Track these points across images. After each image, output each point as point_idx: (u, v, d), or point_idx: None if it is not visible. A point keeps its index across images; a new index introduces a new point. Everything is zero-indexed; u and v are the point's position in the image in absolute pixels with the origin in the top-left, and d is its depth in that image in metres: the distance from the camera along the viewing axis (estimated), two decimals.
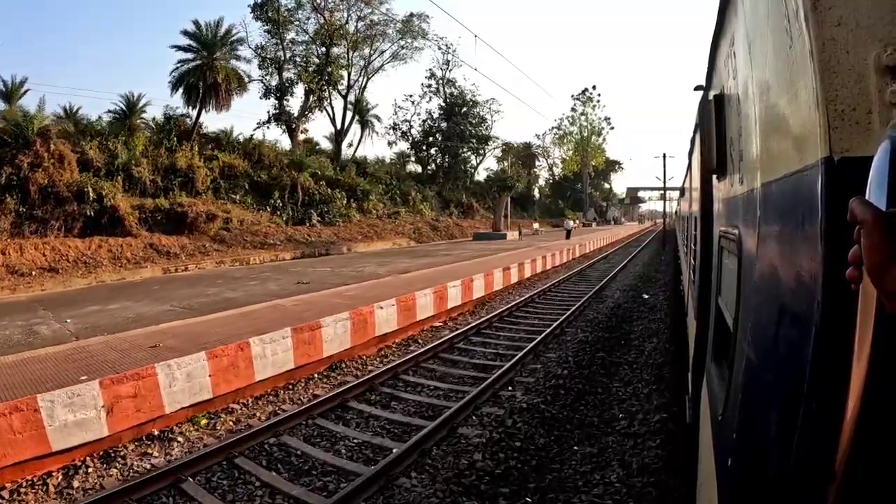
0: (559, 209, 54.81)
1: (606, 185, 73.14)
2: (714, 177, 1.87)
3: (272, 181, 22.80)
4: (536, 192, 60.79)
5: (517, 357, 5.76)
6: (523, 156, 54.66)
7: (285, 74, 27.85)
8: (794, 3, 0.62)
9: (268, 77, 27.68)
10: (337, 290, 8.28)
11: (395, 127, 38.15)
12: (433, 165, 38.86)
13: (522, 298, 9.71)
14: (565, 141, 56.18)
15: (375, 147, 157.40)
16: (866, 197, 0.41)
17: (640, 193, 76.94)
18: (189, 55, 21.74)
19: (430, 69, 41.98)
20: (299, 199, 23.09)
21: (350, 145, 33.08)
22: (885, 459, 0.45)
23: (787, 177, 0.72)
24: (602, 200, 70.46)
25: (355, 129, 33.90)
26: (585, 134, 54.76)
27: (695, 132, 3.51)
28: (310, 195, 23.75)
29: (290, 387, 5.08)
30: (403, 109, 39.54)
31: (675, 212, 20.57)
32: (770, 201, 0.84)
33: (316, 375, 5.42)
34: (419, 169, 38.69)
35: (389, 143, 40.74)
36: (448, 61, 38.04)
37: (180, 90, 21.67)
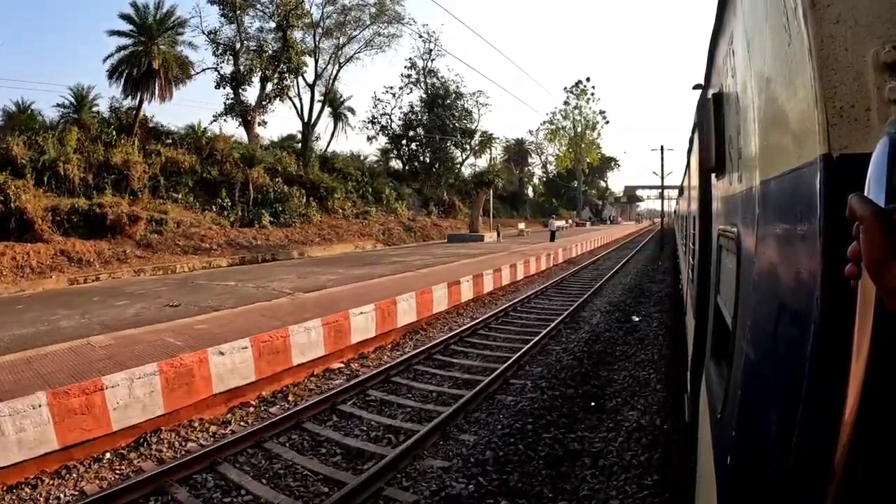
0: (553, 208, 55.80)
1: (602, 183, 75.08)
2: (713, 175, 2.01)
3: (223, 178, 22.38)
4: (530, 191, 62.19)
5: (387, 460, 3.78)
6: (515, 152, 56.30)
7: (244, 62, 27.38)
8: (792, 1, 0.68)
9: (223, 65, 27.34)
10: (193, 319, 6.66)
11: (373, 121, 38.33)
12: (416, 162, 39.08)
13: (468, 325, 8.30)
14: (558, 136, 56.91)
15: (354, 142, 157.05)
16: (865, 193, 0.45)
17: (639, 192, 78.67)
18: (128, 41, 21.23)
19: (409, 58, 42.00)
20: (250, 198, 22.73)
21: (317, 138, 32.94)
22: (884, 457, 0.49)
23: (786, 174, 0.78)
24: (598, 199, 71.87)
25: (328, 122, 33.68)
26: (579, 129, 55.62)
27: (693, 131, 3.75)
28: (263, 193, 23.40)
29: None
30: (383, 102, 39.45)
31: (674, 211, 21.72)
32: (769, 199, 0.91)
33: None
34: (401, 165, 38.98)
35: (369, 139, 39.54)
36: (430, 50, 38.70)
37: (121, 81, 21.17)
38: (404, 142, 38.84)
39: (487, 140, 42.40)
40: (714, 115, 1.67)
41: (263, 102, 28.42)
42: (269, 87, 28.13)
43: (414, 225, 30.73)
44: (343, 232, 25.14)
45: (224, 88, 27.27)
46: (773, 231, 0.87)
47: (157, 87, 21.35)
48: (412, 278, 10.54)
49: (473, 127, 40.90)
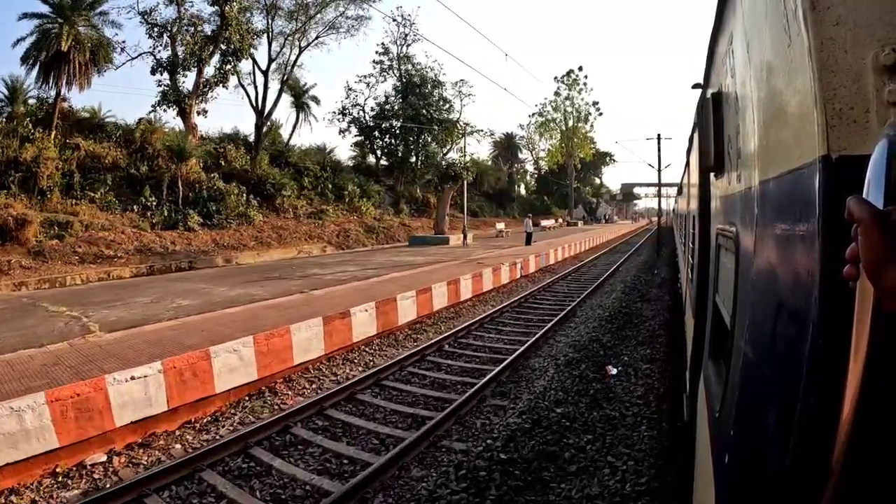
0: (545, 206, 57.36)
1: (597, 180, 77.64)
2: (712, 175, 2.18)
3: (152, 174, 21.72)
4: (523, 189, 63.83)
5: None
6: (504, 147, 58.03)
7: (182, 44, 26.53)
8: (792, 3, 0.75)
9: (160, 49, 26.73)
10: None
11: (343, 111, 38.20)
12: (390, 156, 38.94)
13: (300, 404, 5.75)
14: (548, 129, 58.35)
15: (330, 137, 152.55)
16: (864, 195, 0.50)
17: (637, 190, 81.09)
18: (41, 22, 20.63)
19: (382, 43, 41.86)
20: (179, 196, 22.05)
21: (269, 130, 31.67)
22: (882, 457, 0.54)
23: (785, 175, 0.86)
24: (592, 196, 74.35)
25: (289, 113, 33.69)
26: (571, 122, 57.18)
27: (693, 130, 4.04)
28: (195, 191, 22.78)
29: None
30: (356, 92, 39.56)
31: (673, 210, 22.74)
32: (767, 199, 1.01)
33: None
34: (378, 160, 38.93)
35: (341, 132, 38.97)
36: (405, 35, 39.30)
37: (36, 68, 20.61)
38: (377, 133, 38.85)
39: (453, 127, 41.12)
40: (713, 115, 1.82)
41: (203, 89, 27.66)
42: (209, 71, 27.57)
43: (378, 225, 30.65)
44: (289, 234, 24.65)
45: (161, 74, 26.64)
46: (772, 231, 0.96)
47: (71, 73, 20.70)
48: (273, 312, 8.07)
49: (456, 118, 41.12)
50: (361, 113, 38.87)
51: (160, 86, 26.59)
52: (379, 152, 39.76)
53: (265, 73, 28.93)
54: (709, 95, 1.99)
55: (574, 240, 27.07)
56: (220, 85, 28.02)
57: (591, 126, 58.37)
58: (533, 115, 58.42)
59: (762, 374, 0.97)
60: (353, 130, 38.99)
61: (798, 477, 0.69)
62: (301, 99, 35.43)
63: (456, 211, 35.11)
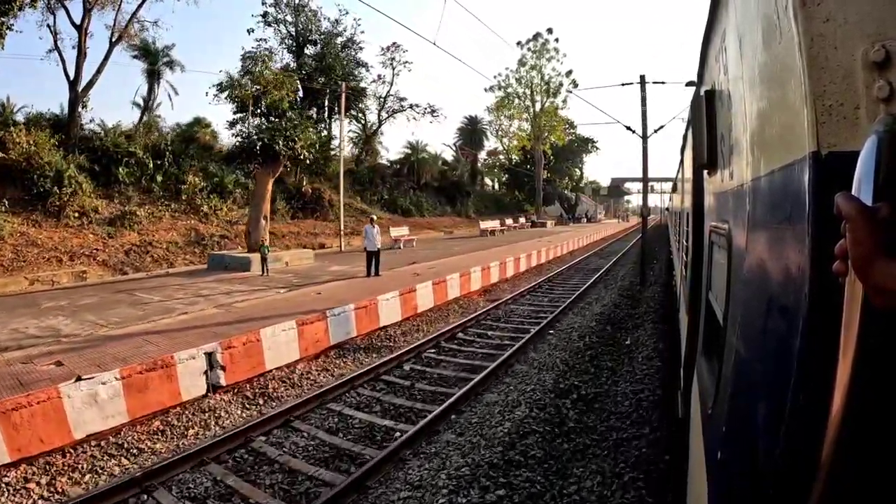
0: (515, 202, 49.84)
1: (577, 171, 65.55)
2: (705, 172, 2.18)
3: None
4: (496, 183, 54.53)
5: None
6: (469, 132, 49.49)
7: None
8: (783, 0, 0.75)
9: None
10: None
11: (221, 86, 26.94)
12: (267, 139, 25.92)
13: None
14: (510, 106, 45.51)
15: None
16: (853, 191, 0.50)
17: (628, 185, 70.66)
18: None
19: None
20: None
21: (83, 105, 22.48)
22: (871, 451, 0.55)
23: (776, 171, 0.86)
24: (571, 191, 62.93)
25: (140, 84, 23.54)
26: (540, 98, 44.86)
27: (687, 128, 4.06)
28: None
29: None
30: (254, 60, 28.96)
31: (667, 208, 21.90)
32: (759, 196, 1.01)
33: None
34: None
35: (232, 125, 27.33)
36: None
37: None
38: (258, 111, 27.27)
39: (361, 98, 32.61)
40: (706, 112, 1.83)
41: None
42: None
43: (211, 234, 20.78)
44: (42, 251, 15.87)
45: None
46: (764, 227, 0.97)
47: None
48: None
49: (384, 92, 33.86)
50: (238, 83, 27.17)
51: None
52: (254, 132, 25.67)
53: (79, 28, 21.80)
54: (702, 93, 2.00)
55: (512, 253, 18.71)
56: None
57: (565, 102, 44.92)
58: (491, 87, 44.58)
59: (753, 370, 0.97)
60: (231, 107, 27.85)
61: (789, 471, 0.69)
62: (156, 65, 27.64)
63: (378, 209, 28.99)
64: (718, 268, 1.68)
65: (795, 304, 0.70)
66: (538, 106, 44.96)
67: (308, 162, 19.80)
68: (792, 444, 0.69)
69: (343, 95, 24.69)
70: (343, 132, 28.15)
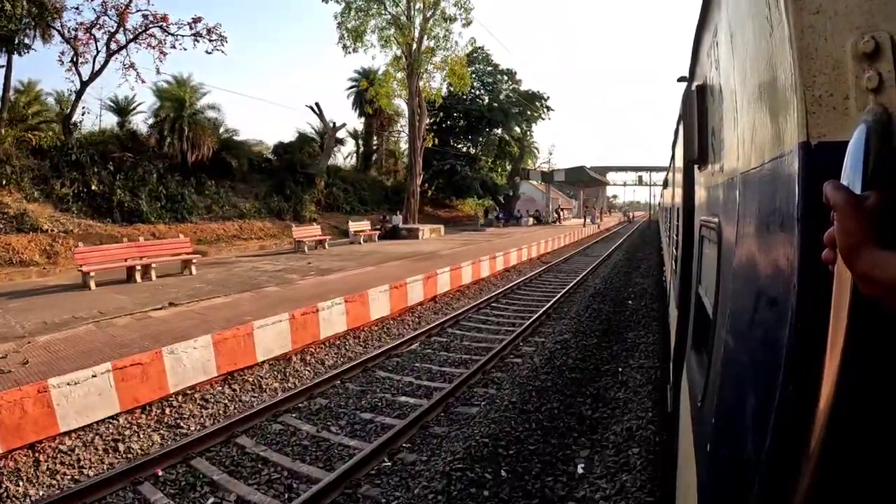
0: (440, 198, 34.84)
1: (515, 148, 38.87)
2: (696, 167, 2.20)
3: None
4: (401, 166, 34.46)
5: None
6: (361, 94, 30.05)
7: None
8: None
9: None
10: None
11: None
12: None
13: None
14: (366, 17, 24.40)
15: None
16: (842, 180, 0.51)
17: (610, 175, 54.15)
18: None
19: None
20: None
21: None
22: (859, 442, 0.55)
23: (766, 163, 0.86)
24: (510, 176, 38.65)
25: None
26: (415, 14, 24.49)
27: (678, 124, 4.07)
28: None
29: None
30: None
31: (659, 204, 21.70)
32: (749, 188, 1.01)
33: None
34: None
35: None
36: None
37: None
38: None
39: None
40: (697, 107, 1.83)
41: None
42: None
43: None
44: None
45: None
46: (753, 220, 0.96)
47: None
48: None
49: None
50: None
51: None
52: None
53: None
54: (693, 88, 2.00)
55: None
56: None
57: (466, 19, 25.17)
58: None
59: (742, 363, 0.97)
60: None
61: (777, 464, 0.69)
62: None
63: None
64: (708, 262, 1.68)
65: (784, 296, 0.69)
66: (416, 30, 24.90)
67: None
68: (781, 437, 0.68)
69: None
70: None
